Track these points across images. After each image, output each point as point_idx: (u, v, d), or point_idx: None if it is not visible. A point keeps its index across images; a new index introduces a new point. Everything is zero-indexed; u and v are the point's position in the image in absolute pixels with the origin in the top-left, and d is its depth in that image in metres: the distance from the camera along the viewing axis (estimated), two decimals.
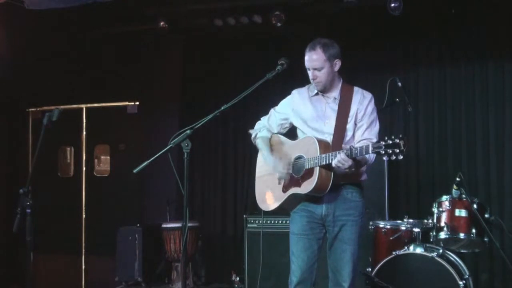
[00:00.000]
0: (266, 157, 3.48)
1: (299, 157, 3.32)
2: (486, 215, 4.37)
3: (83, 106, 6.87)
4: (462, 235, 4.31)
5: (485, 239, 4.33)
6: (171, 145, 2.85)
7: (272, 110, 3.61)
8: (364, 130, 3.31)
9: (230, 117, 6.27)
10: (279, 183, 3.45)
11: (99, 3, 5.20)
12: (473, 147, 5.57)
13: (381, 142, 2.87)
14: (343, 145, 3.20)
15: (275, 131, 3.59)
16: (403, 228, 4.53)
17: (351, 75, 5.85)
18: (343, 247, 3.31)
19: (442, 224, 4.36)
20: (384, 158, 2.91)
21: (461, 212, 4.35)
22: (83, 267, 6.71)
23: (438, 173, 5.68)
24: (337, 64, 3.42)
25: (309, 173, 3.23)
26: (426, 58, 5.84)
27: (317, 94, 3.43)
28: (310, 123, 3.38)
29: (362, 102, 3.36)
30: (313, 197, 3.30)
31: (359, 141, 3.26)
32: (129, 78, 6.68)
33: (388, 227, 4.63)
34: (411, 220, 4.68)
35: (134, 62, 6.60)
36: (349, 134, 3.31)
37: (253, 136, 3.64)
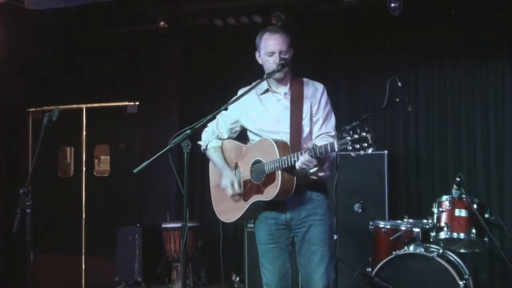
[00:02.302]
0: (223, 170, 3.28)
1: (257, 162, 3.12)
2: (486, 215, 4.38)
3: (83, 106, 6.88)
4: (462, 235, 4.32)
5: (485, 239, 4.34)
6: (171, 145, 2.83)
7: (219, 115, 3.32)
8: (321, 125, 3.16)
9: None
10: (239, 191, 3.24)
11: (99, 3, 5.20)
12: (473, 147, 5.57)
13: (347, 137, 2.70)
14: (302, 142, 3.09)
15: (225, 137, 3.38)
16: (403, 228, 4.53)
17: (351, 75, 5.91)
18: (312, 249, 3.12)
19: (442, 224, 4.37)
20: (352, 154, 2.72)
21: (461, 212, 4.35)
22: (83, 267, 6.72)
23: (438, 173, 5.69)
24: (292, 52, 3.22)
25: (270, 177, 3.03)
26: (426, 58, 5.85)
27: (266, 91, 3.23)
28: (263, 125, 3.19)
29: (315, 95, 3.18)
30: (276, 202, 3.11)
31: (317, 137, 3.14)
32: (129, 78, 6.68)
33: (388, 227, 4.63)
34: (411, 220, 4.68)
35: (134, 62, 6.60)
36: (306, 130, 3.14)
37: (203, 147, 3.43)
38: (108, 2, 5.22)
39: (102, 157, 6.99)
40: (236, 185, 3.20)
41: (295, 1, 5.73)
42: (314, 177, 3.09)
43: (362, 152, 2.69)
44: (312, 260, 3.12)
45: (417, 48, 5.87)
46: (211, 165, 3.45)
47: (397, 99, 4.99)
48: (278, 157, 2.99)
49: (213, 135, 3.40)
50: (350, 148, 2.70)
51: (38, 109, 6.97)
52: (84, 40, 6.44)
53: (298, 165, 2.89)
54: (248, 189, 3.20)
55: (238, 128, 3.37)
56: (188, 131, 2.83)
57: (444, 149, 5.69)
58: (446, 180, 5.49)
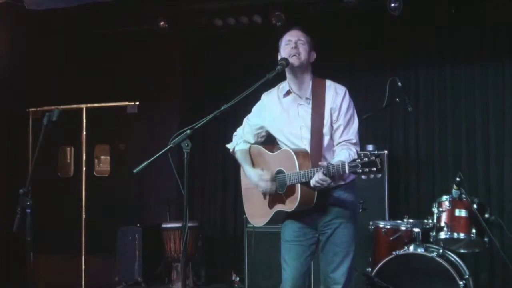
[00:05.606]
0: (248, 172, 3.34)
1: (280, 172, 3.19)
2: (486, 215, 4.38)
3: (83, 106, 6.87)
4: (462, 235, 4.32)
5: (485, 239, 4.34)
6: (171, 145, 2.83)
7: (245, 120, 3.45)
8: (341, 132, 3.15)
9: (230, 117, 6.27)
10: (265, 198, 3.31)
11: (99, 3, 5.20)
12: (473, 147, 5.57)
13: (357, 160, 2.76)
14: (323, 150, 3.11)
15: (252, 141, 3.43)
16: (403, 228, 4.54)
17: (351, 75, 5.91)
18: (335, 250, 3.17)
19: (442, 224, 4.37)
20: (363, 177, 2.79)
21: (461, 212, 4.35)
22: (83, 267, 6.71)
23: (438, 173, 5.68)
24: (313, 55, 3.26)
25: (291, 189, 3.10)
26: (426, 58, 5.85)
27: (288, 93, 3.25)
28: (285, 130, 3.23)
29: (335, 101, 3.16)
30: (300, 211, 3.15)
31: (338, 144, 3.15)
32: (129, 78, 6.68)
33: (388, 227, 4.63)
34: (411, 220, 4.70)
35: (134, 62, 6.60)
36: (326, 138, 3.15)
37: (231, 150, 3.49)
38: (108, 2, 5.22)
39: (102, 157, 6.99)
40: (266, 176, 3.21)
41: (295, 1, 5.74)
42: (333, 185, 3.09)
43: (371, 176, 2.76)
44: (334, 261, 3.18)
45: (417, 48, 5.87)
46: (242, 168, 3.49)
47: (397, 99, 5.00)
48: (297, 169, 3.03)
49: (241, 139, 3.46)
50: (360, 171, 2.75)
51: (38, 109, 6.96)
52: (84, 40, 6.44)
53: (312, 183, 2.94)
54: (272, 197, 3.26)
55: (264, 133, 3.41)
56: (188, 131, 2.83)
57: (444, 149, 5.69)
58: (446, 180, 5.49)
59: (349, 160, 2.86)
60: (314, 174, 2.94)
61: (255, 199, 3.37)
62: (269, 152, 3.33)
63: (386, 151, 5.44)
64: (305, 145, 3.16)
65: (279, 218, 3.30)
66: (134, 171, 2.84)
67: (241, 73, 6.17)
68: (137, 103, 6.78)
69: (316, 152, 3.10)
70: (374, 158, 2.73)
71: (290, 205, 3.13)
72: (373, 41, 5.90)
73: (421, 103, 5.80)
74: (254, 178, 3.28)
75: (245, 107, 3.50)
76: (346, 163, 2.81)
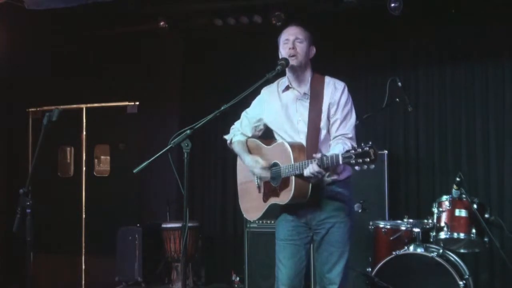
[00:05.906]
0: (245, 159, 3.34)
1: (275, 165, 3.18)
2: (486, 215, 4.38)
3: (83, 106, 6.87)
4: (462, 235, 4.32)
5: (485, 239, 4.34)
6: (171, 145, 2.83)
7: (243, 113, 3.47)
8: (338, 126, 3.15)
9: (230, 117, 6.26)
10: (260, 192, 3.31)
11: (99, 3, 5.20)
12: (473, 147, 5.57)
13: (351, 151, 2.75)
14: (319, 144, 3.11)
15: (250, 135, 3.45)
16: (403, 228, 4.53)
17: (351, 75, 5.89)
18: (330, 249, 3.16)
19: (442, 224, 4.37)
20: (356, 168, 2.76)
21: (461, 212, 4.35)
22: (83, 267, 6.71)
23: (438, 173, 5.68)
24: (312, 51, 3.28)
25: (285, 182, 3.09)
26: (426, 58, 5.85)
27: (287, 88, 3.27)
28: (282, 123, 3.25)
29: (334, 96, 3.17)
30: (294, 204, 3.14)
31: (334, 138, 3.14)
32: (129, 78, 6.68)
33: (388, 227, 4.63)
34: (411, 220, 4.69)
35: (134, 62, 6.60)
36: (323, 132, 3.16)
37: (228, 141, 3.51)
38: (108, 2, 5.22)
39: (102, 157, 6.99)
40: (261, 161, 3.22)
41: (295, 1, 5.74)
42: (328, 180, 3.09)
43: (365, 167, 2.74)
44: (329, 261, 3.17)
45: (417, 48, 5.87)
46: (238, 162, 3.49)
47: (397, 99, 5.00)
48: (292, 162, 3.03)
49: (238, 132, 3.47)
50: (354, 162, 2.73)
51: (38, 109, 6.96)
52: (84, 40, 6.44)
53: (306, 173, 2.93)
54: (267, 190, 3.26)
55: (262, 127, 3.42)
56: (188, 131, 2.84)
57: (444, 149, 5.69)
58: (446, 180, 5.49)
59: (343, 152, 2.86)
60: (308, 165, 2.93)
61: (250, 193, 3.37)
62: (265, 146, 3.34)
63: (386, 151, 5.45)
64: (302, 139, 3.16)
65: (274, 212, 3.29)
66: (134, 171, 2.85)
67: (241, 73, 6.16)
68: (137, 103, 6.78)
69: (312, 145, 3.10)
70: (367, 148, 2.72)
71: (284, 198, 3.12)
72: (373, 41, 5.90)
73: (421, 103, 5.80)
74: (250, 163, 3.28)
75: (245, 107, 3.50)
76: (340, 154, 2.80)
